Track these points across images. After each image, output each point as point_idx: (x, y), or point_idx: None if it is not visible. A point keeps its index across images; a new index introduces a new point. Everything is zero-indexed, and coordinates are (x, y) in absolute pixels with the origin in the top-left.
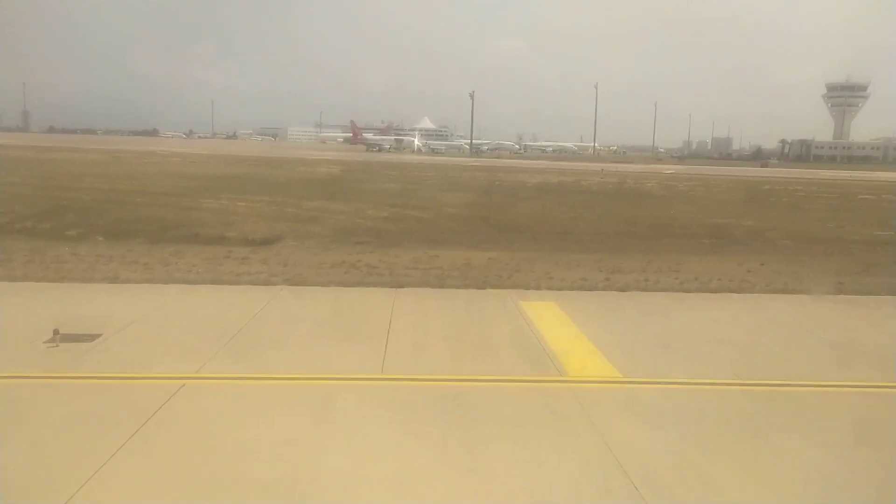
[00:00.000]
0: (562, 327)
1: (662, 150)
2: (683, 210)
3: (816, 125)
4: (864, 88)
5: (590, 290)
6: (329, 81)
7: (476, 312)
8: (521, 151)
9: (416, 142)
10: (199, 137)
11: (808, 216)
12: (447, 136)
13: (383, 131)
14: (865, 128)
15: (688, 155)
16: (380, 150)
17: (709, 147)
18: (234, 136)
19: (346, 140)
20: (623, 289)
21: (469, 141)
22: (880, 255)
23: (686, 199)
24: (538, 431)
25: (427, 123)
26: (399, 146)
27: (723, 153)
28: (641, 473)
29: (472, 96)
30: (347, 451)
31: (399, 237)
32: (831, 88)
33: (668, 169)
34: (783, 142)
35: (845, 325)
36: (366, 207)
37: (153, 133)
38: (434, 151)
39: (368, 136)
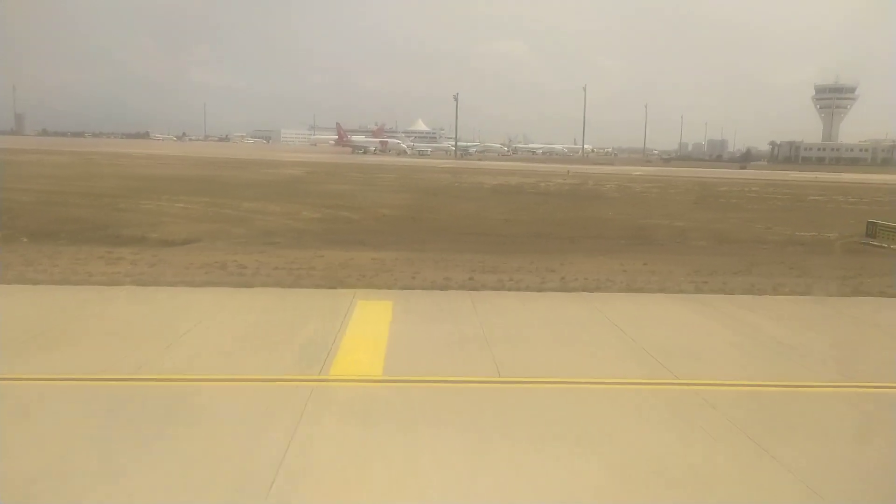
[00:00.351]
0: (374, 326)
1: (656, 151)
2: (623, 211)
3: (813, 127)
4: (853, 90)
5: (442, 290)
6: (326, 83)
7: (301, 312)
8: (510, 153)
9: (402, 144)
10: (191, 140)
11: (743, 217)
12: (436, 138)
13: (375, 133)
14: (859, 129)
15: (680, 157)
16: (365, 153)
17: (704, 149)
18: (226, 139)
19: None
20: (476, 289)
21: (455, 143)
22: (778, 256)
23: (635, 200)
24: (222, 429)
25: (420, 125)
26: (384, 148)
27: (714, 155)
28: (285, 473)
29: (456, 98)
30: None
31: (313, 238)
32: (819, 90)
33: (638, 171)
34: (772, 143)
35: (658, 322)
36: (303, 209)
37: (144, 136)
38: (420, 154)
39: (354, 138)
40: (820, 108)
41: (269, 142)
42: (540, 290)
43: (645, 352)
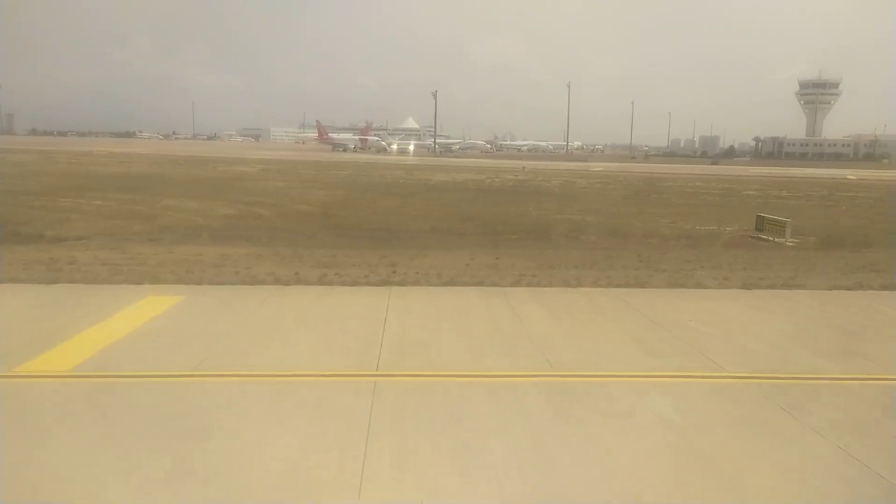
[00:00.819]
0: (128, 322)
1: (647, 147)
2: (545, 207)
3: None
4: (836, 86)
5: (251, 286)
6: (320, 81)
7: (69, 308)
8: (492, 150)
9: (383, 142)
10: (178, 138)
11: (660, 212)
12: (421, 135)
13: (363, 132)
14: (850, 124)
15: (667, 153)
16: (345, 150)
17: (696, 145)
18: (214, 137)
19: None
20: (288, 283)
21: (434, 140)
22: (650, 250)
23: (568, 196)
24: None
25: (411, 123)
26: (364, 146)
27: (697, 151)
28: None
29: (434, 95)
30: None
31: (206, 234)
32: (803, 86)
33: (600, 167)
34: (756, 139)
35: (427, 315)
36: (221, 206)
37: (131, 135)
38: (401, 151)
39: (334, 136)
40: (804, 103)
41: (257, 140)
42: (355, 285)
43: (380, 345)
